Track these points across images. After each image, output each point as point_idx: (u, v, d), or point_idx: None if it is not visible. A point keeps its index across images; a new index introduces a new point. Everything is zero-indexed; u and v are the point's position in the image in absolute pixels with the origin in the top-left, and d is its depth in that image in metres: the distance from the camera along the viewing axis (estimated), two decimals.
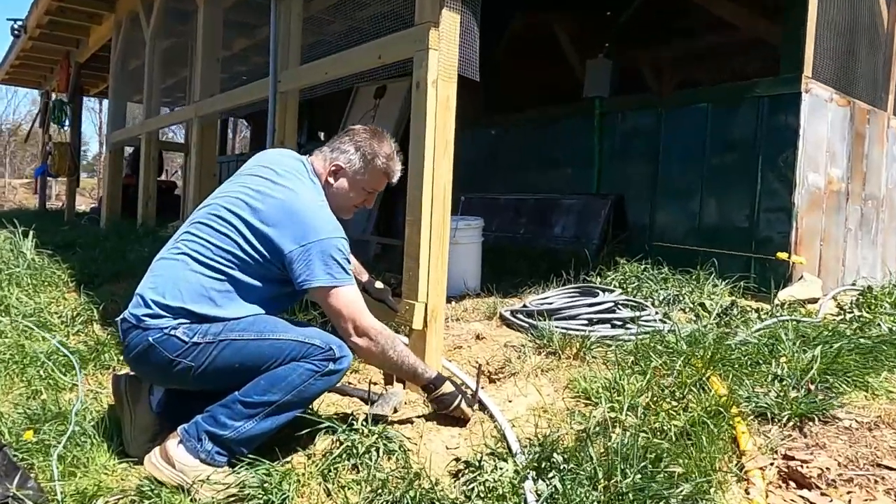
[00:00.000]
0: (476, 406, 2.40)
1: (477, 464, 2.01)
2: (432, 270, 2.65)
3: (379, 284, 2.76)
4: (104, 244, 5.15)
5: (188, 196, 4.93)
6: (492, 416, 2.34)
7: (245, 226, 2.09)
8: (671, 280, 4.19)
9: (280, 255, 2.06)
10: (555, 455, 1.93)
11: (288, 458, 2.20)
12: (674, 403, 2.33)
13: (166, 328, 2.02)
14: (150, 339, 2.02)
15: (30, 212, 12.22)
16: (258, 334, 2.07)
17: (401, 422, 2.42)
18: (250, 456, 2.10)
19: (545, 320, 3.15)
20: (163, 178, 12.21)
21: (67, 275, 4.17)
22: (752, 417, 2.30)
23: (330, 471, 2.06)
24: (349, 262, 2.12)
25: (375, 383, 2.77)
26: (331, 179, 2.29)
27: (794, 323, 3.41)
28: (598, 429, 2.17)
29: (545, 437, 2.12)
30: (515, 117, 5.81)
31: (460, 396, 2.30)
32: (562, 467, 1.89)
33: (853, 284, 4.48)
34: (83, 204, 18.74)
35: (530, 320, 3.15)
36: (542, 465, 1.95)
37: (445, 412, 2.32)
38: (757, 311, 3.68)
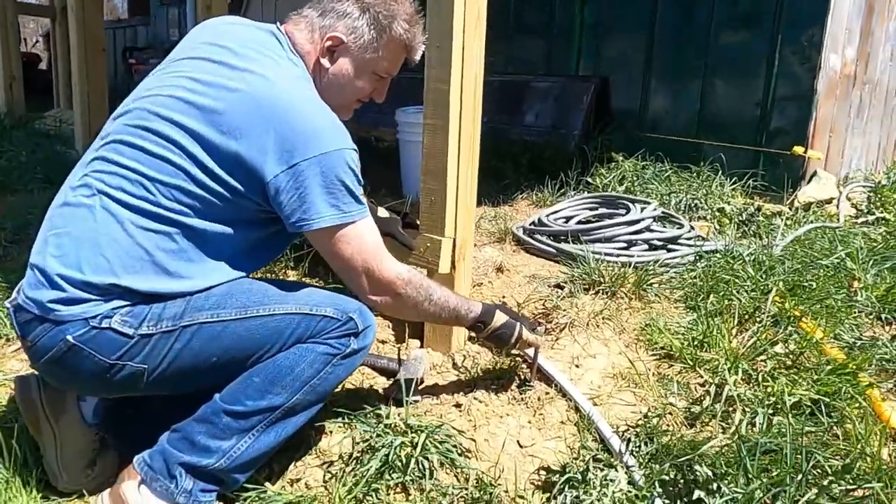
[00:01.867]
0: (535, 375, 1.82)
1: (580, 475, 1.46)
2: (461, 194, 1.95)
3: (383, 212, 2.03)
4: None
5: (73, 78, 3.77)
6: (563, 393, 1.77)
7: (195, 141, 1.29)
8: (675, 179, 3.69)
9: (258, 184, 1.30)
10: (697, 468, 1.40)
11: (299, 476, 1.56)
12: (786, 362, 1.84)
13: (94, 318, 1.26)
14: (70, 337, 1.26)
15: None
16: (241, 310, 1.35)
17: (433, 396, 1.81)
18: (248, 485, 1.45)
19: (574, 242, 2.56)
20: (21, 49, 10.23)
21: None
22: (873, 373, 1.87)
23: (369, 496, 1.45)
24: (360, 182, 1.38)
25: (384, 342, 2.12)
26: (325, 61, 1.47)
27: (827, 231, 3.02)
28: (712, 407, 1.66)
29: (651, 426, 1.59)
30: None
31: (519, 325, 1.67)
32: (710, 484, 1.37)
33: (848, 179, 4.16)
34: None
35: (558, 245, 2.54)
36: (671, 476, 1.42)
37: (506, 350, 1.75)
38: (779, 215, 3.26)
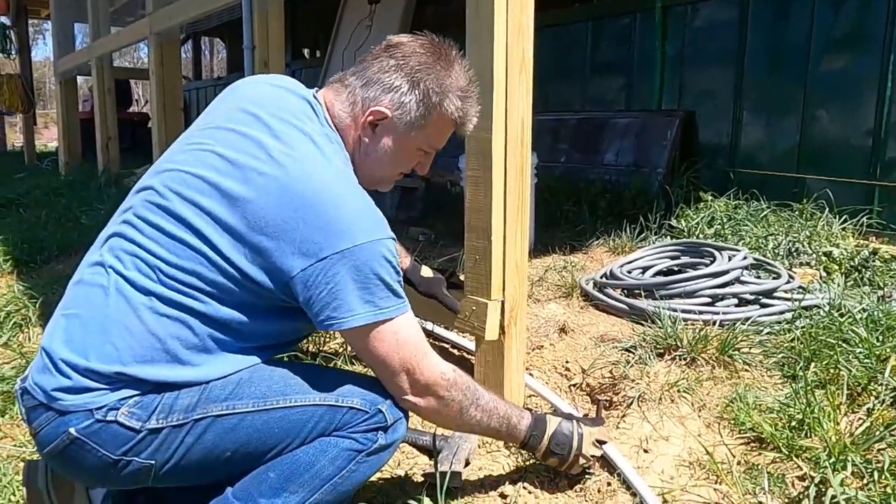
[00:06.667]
0: (595, 462, 1.57)
1: None
2: (510, 250, 1.76)
3: (427, 271, 1.86)
4: (55, 200, 4.18)
5: (153, 136, 3.93)
6: (628, 485, 1.51)
7: (217, 226, 1.18)
8: (773, 219, 3.31)
9: (283, 276, 1.17)
10: None
11: None
12: None
13: (99, 409, 1.14)
14: (73, 430, 1.15)
15: None
16: (260, 401, 1.21)
17: (481, 485, 1.60)
18: None
19: (651, 297, 2.29)
20: (133, 109, 11.07)
21: (1, 250, 3.24)
22: None
23: None
24: (399, 273, 1.22)
25: None
26: (366, 137, 1.32)
27: None
28: None
29: None
30: (549, 16, 4.72)
31: (578, 436, 1.46)
32: None
33: None
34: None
35: (630, 301, 2.28)
36: None
37: (565, 469, 1.50)
38: None
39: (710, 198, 3.45)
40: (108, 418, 1.14)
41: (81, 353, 1.15)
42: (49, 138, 18.45)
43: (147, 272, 1.18)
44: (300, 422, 1.22)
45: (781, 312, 2.18)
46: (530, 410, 1.46)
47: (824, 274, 2.77)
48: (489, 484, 1.60)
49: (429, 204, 4.02)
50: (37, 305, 2.54)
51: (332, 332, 1.22)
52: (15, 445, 1.85)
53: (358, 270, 1.14)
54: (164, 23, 3.68)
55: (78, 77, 6.47)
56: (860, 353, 1.84)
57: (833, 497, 1.33)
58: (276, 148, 1.21)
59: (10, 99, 8.23)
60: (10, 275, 3.04)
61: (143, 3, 8.10)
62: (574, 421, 1.48)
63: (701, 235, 3.13)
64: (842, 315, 2.06)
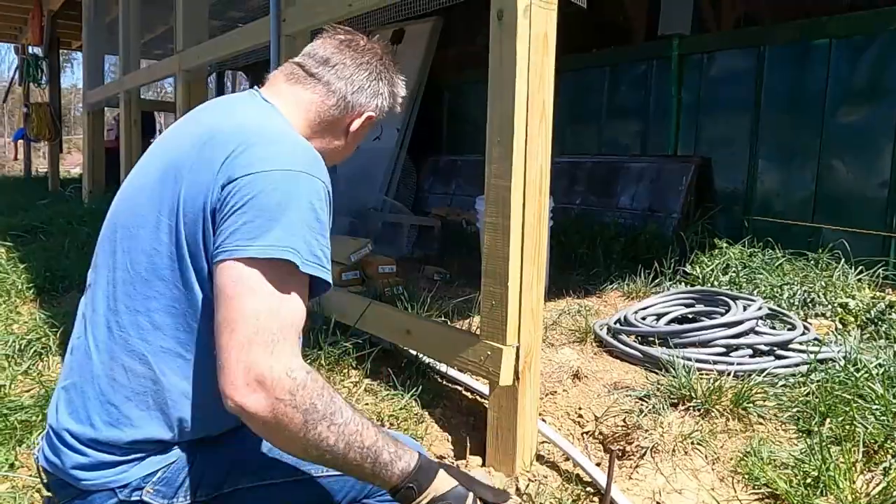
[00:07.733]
0: None
1: None
2: (526, 297, 1.78)
3: None
4: (78, 229, 4.26)
5: None
6: None
7: (164, 207, 1.07)
8: (788, 268, 3.31)
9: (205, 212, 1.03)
10: None
11: None
12: None
13: (122, 489, 1.09)
14: None
15: (11, 180, 11.28)
16: (291, 471, 1.17)
17: None
18: None
19: (662, 343, 2.29)
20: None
21: (25, 278, 3.30)
22: None
23: None
24: (325, 227, 1.04)
25: (441, 457, 1.93)
26: (347, 136, 1.31)
27: None
28: None
29: None
30: (567, 62, 4.79)
31: (471, 499, 1.03)
32: None
33: None
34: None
35: (644, 348, 2.28)
36: None
37: None
38: None
39: (725, 245, 3.46)
40: (132, 499, 1.09)
41: (88, 423, 1.09)
42: (72, 164, 18.78)
43: (116, 307, 1.08)
44: (332, 491, 1.19)
45: (797, 365, 2.18)
46: (424, 460, 1.04)
47: (840, 326, 2.75)
48: None
49: (445, 243, 4.05)
50: (57, 335, 2.57)
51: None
52: (31, 475, 1.86)
53: (268, 196, 0.99)
54: (193, 61, 3.79)
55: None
56: (876, 409, 1.83)
57: None
58: (203, 117, 1.20)
59: (38, 127, 8.45)
60: (32, 302, 3.09)
61: (171, 38, 8.32)
62: (472, 494, 1.03)
63: (716, 283, 3.13)
64: (858, 369, 2.05)
